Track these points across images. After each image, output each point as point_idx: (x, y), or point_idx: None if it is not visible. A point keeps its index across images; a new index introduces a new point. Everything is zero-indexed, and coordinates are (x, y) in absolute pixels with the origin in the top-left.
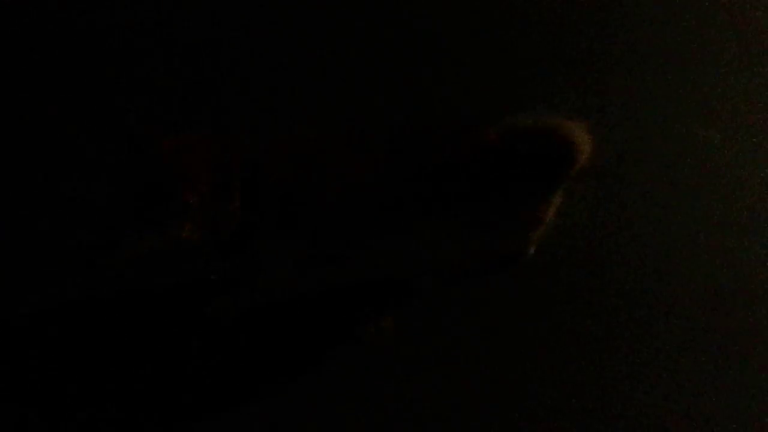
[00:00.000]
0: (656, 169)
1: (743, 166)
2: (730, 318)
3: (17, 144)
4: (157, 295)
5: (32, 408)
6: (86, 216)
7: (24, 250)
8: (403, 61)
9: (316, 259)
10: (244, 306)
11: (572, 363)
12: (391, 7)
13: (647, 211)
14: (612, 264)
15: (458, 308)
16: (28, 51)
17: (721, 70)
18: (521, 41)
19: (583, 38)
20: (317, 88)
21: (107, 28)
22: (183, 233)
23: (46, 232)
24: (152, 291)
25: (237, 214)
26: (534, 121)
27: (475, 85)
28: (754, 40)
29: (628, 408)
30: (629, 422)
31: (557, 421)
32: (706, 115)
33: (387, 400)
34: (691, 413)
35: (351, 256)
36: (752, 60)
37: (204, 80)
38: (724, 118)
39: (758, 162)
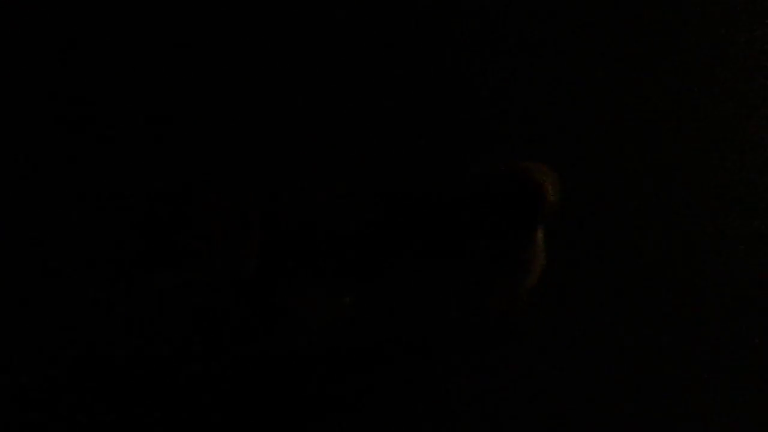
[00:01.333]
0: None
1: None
2: None
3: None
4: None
5: None
6: (100, 258)
7: (34, 294)
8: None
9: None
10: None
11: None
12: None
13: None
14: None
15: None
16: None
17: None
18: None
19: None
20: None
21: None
22: (200, 274)
23: (52, 278)
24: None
25: (255, 253)
26: (497, 167)
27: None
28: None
29: None
30: None
31: None
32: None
33: None
34: None
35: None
36: None
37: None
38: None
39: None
